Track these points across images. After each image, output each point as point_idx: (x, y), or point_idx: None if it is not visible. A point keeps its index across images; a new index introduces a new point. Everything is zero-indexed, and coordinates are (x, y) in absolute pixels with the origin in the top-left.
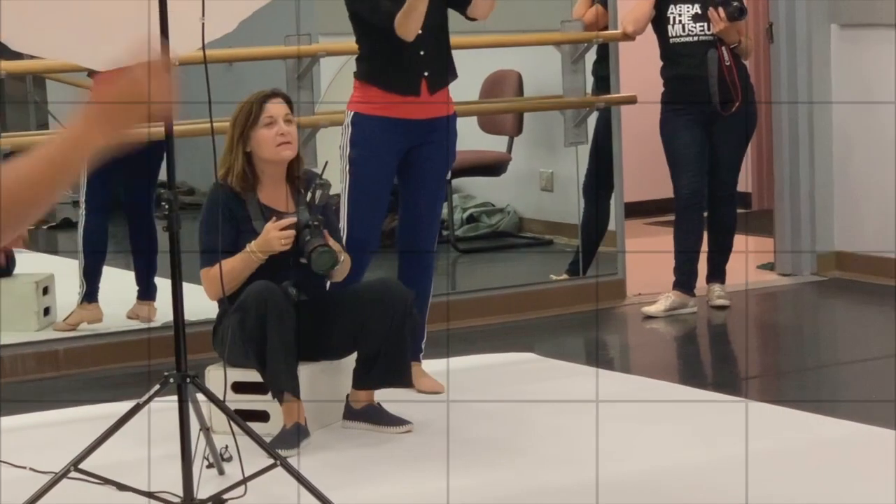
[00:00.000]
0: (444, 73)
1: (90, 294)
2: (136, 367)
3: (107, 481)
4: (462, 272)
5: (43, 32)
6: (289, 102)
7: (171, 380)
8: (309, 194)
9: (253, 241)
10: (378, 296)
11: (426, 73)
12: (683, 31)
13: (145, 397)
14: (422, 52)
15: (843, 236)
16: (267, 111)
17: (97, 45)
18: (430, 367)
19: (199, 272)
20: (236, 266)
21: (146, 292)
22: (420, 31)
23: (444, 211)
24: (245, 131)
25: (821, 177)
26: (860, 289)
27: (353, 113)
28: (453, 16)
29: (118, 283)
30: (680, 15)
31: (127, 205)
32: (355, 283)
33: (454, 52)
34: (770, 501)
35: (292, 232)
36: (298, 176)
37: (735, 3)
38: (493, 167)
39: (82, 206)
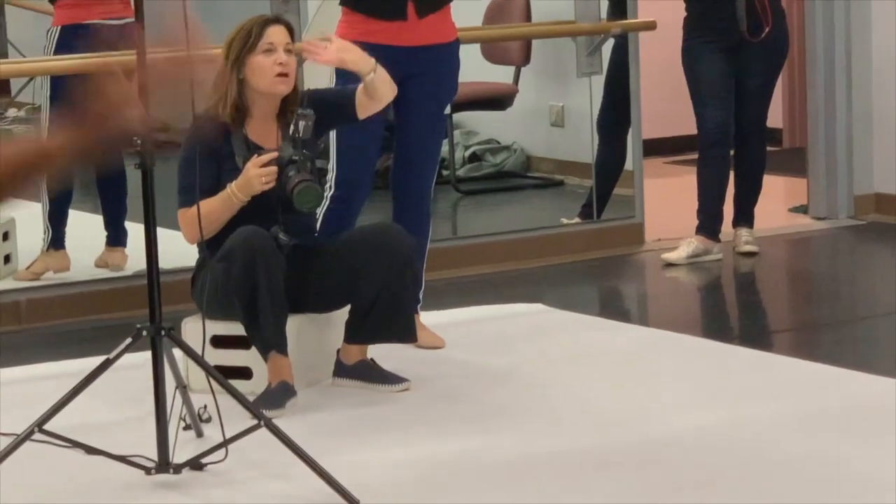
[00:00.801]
0: None
1: (56, 240)
2: (105, 319)
3: (74, 444)
4: (464, 216)
5: None
6: (291, 31)
7: (144, 333)
8: (291, 127)
9: (234, 181)
10: (375, 241)
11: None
12: None
13: (115, 352)
14: None
15: (883, 176)
16: (267, 36)
17: None
18: (429, 319)
19: (175, 214)
20: (216, 207)
21: (116, 237)
22: None
23: (445, 149)
24: (241, 56)
25: (859, 110)
26: None
27: None
28: None
29: (85, 227)
30: None
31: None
32: (348, 228)
33: None
34: (801, 465)
35: (273, 169)
36: (292, 111)
37: None
38: (497, 100)
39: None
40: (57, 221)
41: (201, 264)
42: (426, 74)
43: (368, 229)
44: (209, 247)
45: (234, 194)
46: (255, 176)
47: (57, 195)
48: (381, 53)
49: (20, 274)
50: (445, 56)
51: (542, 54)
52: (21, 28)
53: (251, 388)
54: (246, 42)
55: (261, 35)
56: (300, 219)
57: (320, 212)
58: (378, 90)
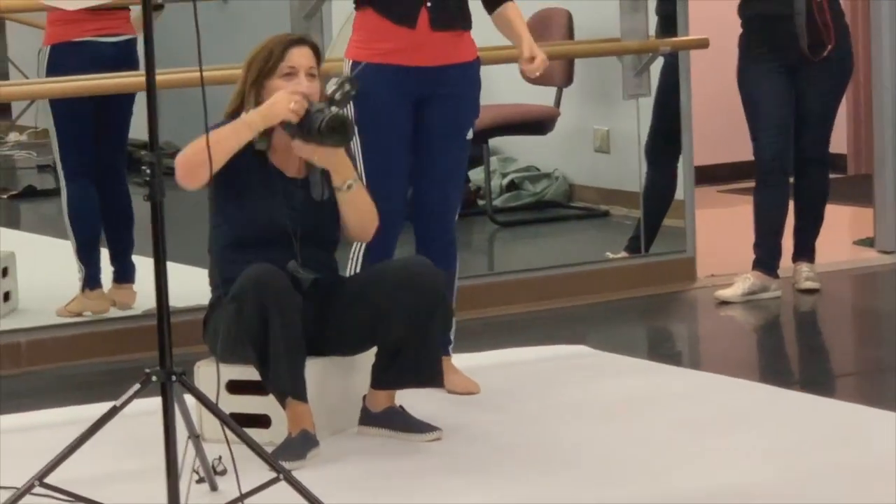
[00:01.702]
0: (455, 11)
1: (91, 279)
2: (112, 362)
3: (78, 498)
4: (501, 249)
5: None
6: (317, 53)
7: (154, 378)
8: (333, 87)
9: (252, 110)
10: (403, 278)
11: (428, 3)
12: None
13: (123, 399)
14: None
15: None
16: (289, 59)
17: None
18: (463, 362)
19: (189, 250)
20: (225, 133)
21: (123, 273)
22: None
23: (480, 177)
24: (260, 78)
25: None
26: None
27: (350, 61)
28: None
29: None
30: None
31: (96, 168)
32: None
33: None
34: None
35: (304, 101)
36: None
37: None
38: (537, 124)
39: (61, 174)
40: (88, 258)
41: (215, 303)
42: (444, 97)
43: (395, 264)
44: (223, 284)
45: (252, 120)
46: (284, 99)
47: (83, 229)
48: (396, 75)
49: (61, 311)
50: (464, 77)
51: (586, 74)
52: (23, 46)
53: (269, 438)
54: (266, 63)
55: (282, 57)
56: (319, 254)
57: (356, 249)
58: (351, 205)
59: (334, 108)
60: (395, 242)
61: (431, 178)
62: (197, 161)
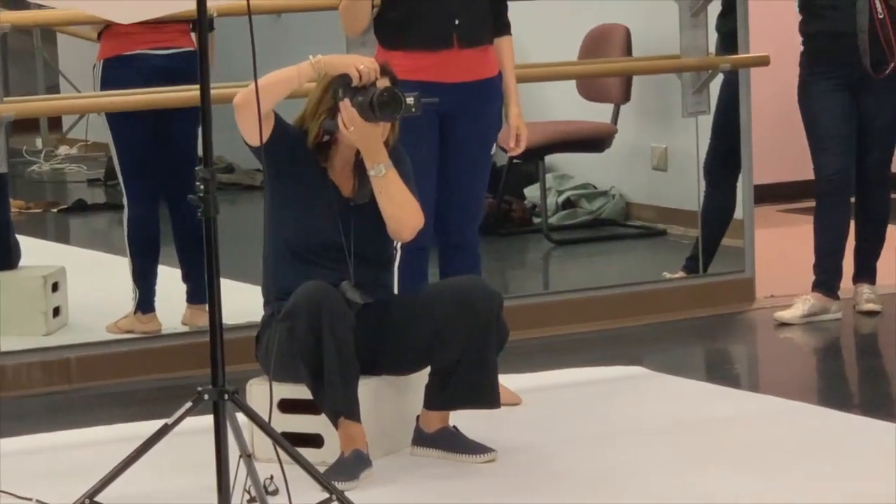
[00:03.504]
0: (486, 22)
1: (144, 303)
2: (163, 380)
3: None
4: (556, 268)
5: None
6: (394, 83)
7: (206, 396)
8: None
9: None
10: (458, 298)
11: (457, 22)
12: None
13: (175, 417)
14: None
15: None
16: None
17: None
18: (518, 383)
19: (243, 266)
20: (273, 78)
21: (197, 294)
22: None
23: (536, 194)
24: (337, 104)
25: None
26: None
27: None
28: None
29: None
30: None
31: (165, 187)
32: (421, 283)
33: (547, 4)
34: None
35: (372, 71)
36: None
37: None
38: (594, 142)
39: (124, 193)
40: (144, 282)
41: (267, 320)
42: (469, 113)
43: (450, 284)
44: (277, 301)
45: (303, 68)
46: (354, 58)
47: (141, 252)
48: (422, 91)
49: (110, 327)
50: (488, 92)
51: (644, 91)
52: (76, 60)
53: (322, 458)
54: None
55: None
56: (373, 273)
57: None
58: (385, 193)
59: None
60: (427, 258)
61: (458, 191)
62: (248, 102)
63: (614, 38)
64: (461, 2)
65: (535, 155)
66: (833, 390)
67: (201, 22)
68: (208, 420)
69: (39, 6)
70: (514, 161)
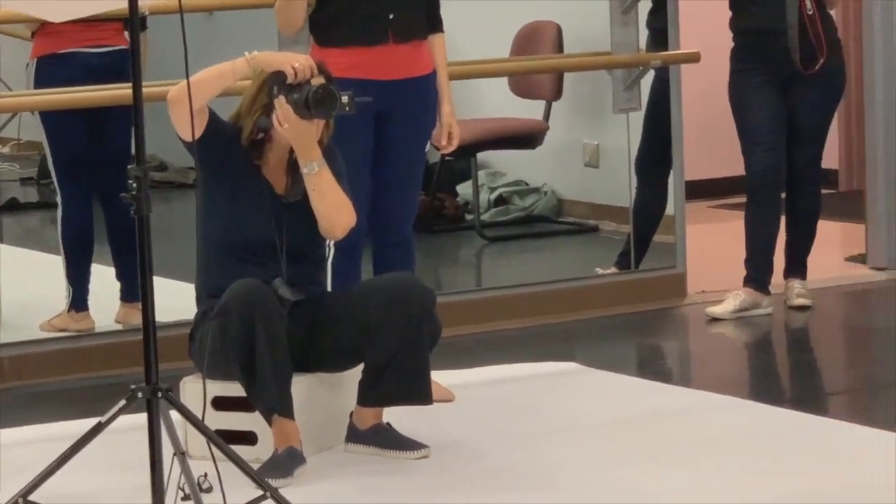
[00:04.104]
0: (419, 19)
1: (77, 301)
2: (97, 378)
3: None
4: (489, 264)
5: None
6: (329, 80)
7: (140, 394)
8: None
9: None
10: (392, 295)
11: (390, 17)
12: None
13: (108, 415)
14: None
15: None
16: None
17: None
18: (451, 379)
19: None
20: (213, 72)
21: (131, 291)
22: None
23: (469, 191)
24: (272, 101)
25: None
26: None
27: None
28: None
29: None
30: None
31: (99, 186)
32: (354, 280)
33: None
34: None
35: (308, 69)
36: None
37: None
38: (526, 138)
39: (58, 192)
40: (77, 281)
41: (200, 319)
42: (403, 111)
43: (383, 281)
44: (209, 299)
45: (238, 64)
46: (291, 56)
47: (75, 251)
48: (358, 88)
49: (44, 325)
50: (422, 89)
51: (576, 88)
52: (7, 58)
53: (256, 455)
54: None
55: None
56: (305, 270)
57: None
58: (317, 190)
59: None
60: (360, 255)
61: (392, 189)
62: (181, 98)
63: (546, 34)
64: None
65: (467, 152)
66: (765, 385)
67: (133, 20)
68: (142, 418)
69: None
70: (447, 158)
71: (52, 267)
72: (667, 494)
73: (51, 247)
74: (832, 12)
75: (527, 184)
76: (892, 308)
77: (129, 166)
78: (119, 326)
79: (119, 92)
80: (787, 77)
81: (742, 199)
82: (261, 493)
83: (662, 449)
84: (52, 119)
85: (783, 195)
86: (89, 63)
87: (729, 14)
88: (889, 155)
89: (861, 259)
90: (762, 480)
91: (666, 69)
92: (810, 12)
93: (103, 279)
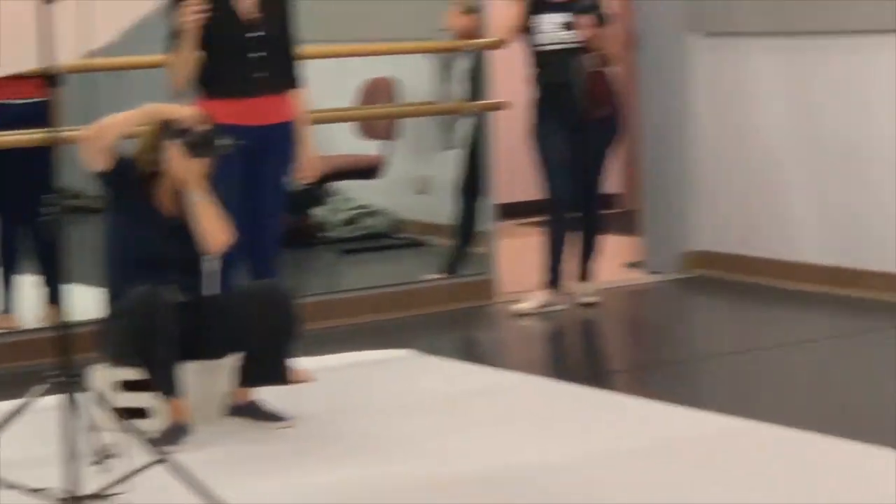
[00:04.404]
0: (284, 77)
1: (5, 305)
2: (23, 367)
3: None
4: (341, 272)
5: None
6: (211, 127)
7: (59, 378)
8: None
9: None
10: (263, 300)
11: (263, 75)
12: (551, 39)
13: (33, 395)
14: (257, 56)
15: (707, 235)
16: None
17: None
18: (309, 364)
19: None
20: (119, 118)
21: (55, 295)
22: (259, 34)
23: (323, 213)
24: (165, 143)
25: (687, 179)
26: (723, 286)
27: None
28: (317, 26)
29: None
30: (547, 24)
31: (25, 213)
32: (230, 286)
33: (327, 63)
34: (640, 491)
35: (197, 112)
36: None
37: (598, 10)
38: (369, 170)
39: None
40: (6, 288)
41: (108, 317)
42: (270, 150)
43: (254, 286)
44: (115, 301)
45: (146, 110)
46: (181, 107)
47: (5, 264)
48: (234, 133)
49: None
50: (286, 133)
51: (409, 130)
52: None
53: (153, 428)
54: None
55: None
56: (190, 278)
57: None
58: (199, 215)
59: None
60: (238, 266)
61: (262, 213)
62: (93, 138)
63: (383, 88)
64: (263, 59)
65: (323, 182)
66: (561, 366)
67: (52, 77)
68: (60, 399)
69: None
70: (306, 187)
71: None
72: (491, 456)
73: None
74: (612, 69)
75: (371, 207)
76: (662, 303)
77: (44, 196)
78: (42, 324)
79: (40, 136)
80: (576, 121)
81: (541, 218)
82: (156, 458)
83: (478, 417)
84: None
85: (575, 214)
86: (15, 112)
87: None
88: (657, 182)
89: (638, 265)
90: (550, 443)
91: (480, 115)
92: (593, 70)
93: (33, 286)
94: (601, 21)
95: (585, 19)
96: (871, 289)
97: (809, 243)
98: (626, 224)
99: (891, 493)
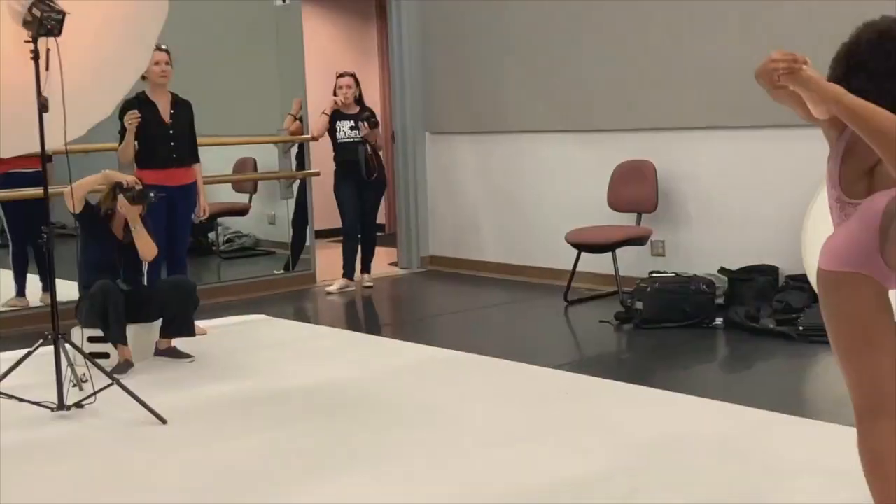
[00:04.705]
0: (189, 155)
1: (20, 292)
2: (29, 329)
3: (11, 397)
4: (221, 269)
5: None
6: (144, 186)
7: (49, 336)
8: (148, 193)
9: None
10: (177, 285)
11: (175, 155)
12: (345, 135)
13: (37, 345)
14: (172, 143)
15: (434, 246)
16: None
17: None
18: (202, 323)
19: (69, 272)
20: (87, 180)
21: (22, 290)
22: (172, 131)
23: (211, 235)
24: (116, 195)
25: (421, 215)
26: (444, 275)
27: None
28: (207, 125)
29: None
30: (343, 127)
31: (31, 235)
32: (156, 279)
33: (214, 148)
34: (404, 395)
35: (136, 177)
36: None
37: (373, 119)
38: (240, 211)
39: (9, 236)
40: (19, 280)
41: (81, 298)
42: (181, 200)
43: (172, 280)
44: (85, 289)
45: (104, 174)
46: (125, 175)
47: (18, 266)
48: (158, 190)
49: (5, 303)
50: (191, 190)
51: (264, 187)
52: None
53: (110, 364)
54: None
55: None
56: (133, 276)
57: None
58: (138, 238)
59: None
60: (160, 267)
61: (176, 238)
62: (70, 192)
63: (249, 163)
64: (175, 146)
65: (212, 217)
66: (354, 323)
67: (42, 157)
68: (51, 349)
69: None
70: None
71: (5, 275)
72: (306, 376)
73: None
74: (381, 152)
75: (242, 232)
76: (409, 286)
77: (43, 227)
78: (41, 304)
79: (39, 191)
80: (360, 180)
81: (340, 237)
82: (110, 382)
83: (305, 353)
84: (8, 205)
85: (359, 236)
86: (24, 177)
87: (332, 154)
88: (405, 217)
89: (395, 264)
90: (352, 366)
91: (305, 179)
92: (370, 153)
93: (35, 280)
94: (373, 125)
95: (364, 124)
96: (530, 276)
97: (492, 249)
98: (389, 240)
99: (534, 389)
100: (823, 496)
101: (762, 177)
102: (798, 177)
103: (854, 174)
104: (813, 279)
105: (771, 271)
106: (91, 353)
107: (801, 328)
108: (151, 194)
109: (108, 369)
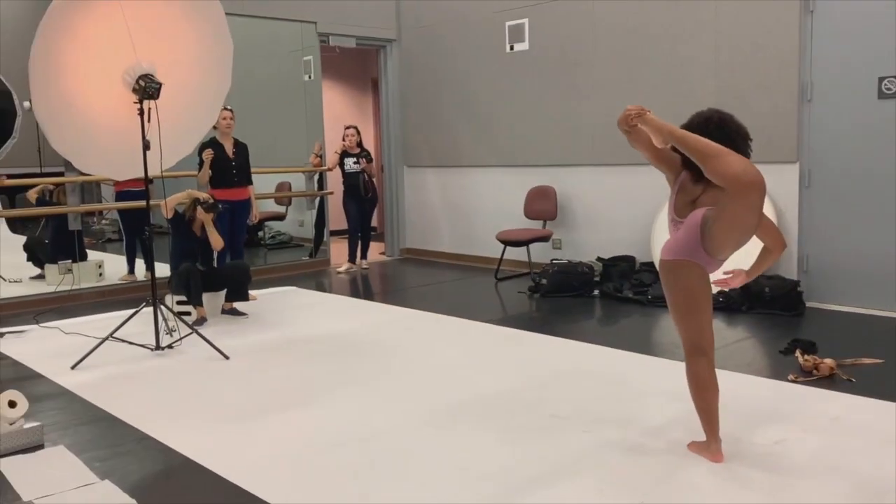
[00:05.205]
0: (246, 180)
1: (131, 270)
2: (136, 295)
3: (123, 340)
4: (267, 257)
5: (91, 162)
6: (215, 200)
7: (150, 300)
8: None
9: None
10: (235, 266)
11: (236, 179)
12: (350, 168)
13: (140, 307)
14: (234, 171)
15: (409, 240)
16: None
17: (117, 168)
18: (255, 293)
19: (166, 257)
20: (178, 195)
21: (133, 269)
22: (234, 162)
23: (261, 233)
24: (196, 206)
25: (400, 219)
26: (417, 261)
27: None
28: (254, 159)
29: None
30: (349, 162)
31: (138, 232)
32: (224, 264)
33: (262, 174)
34: (395, 342)
35: (209, 194)
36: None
37: (369, 157)
38: (280, 217)
39: (123, 233)
40: (131, 263)
41: (171, 275)
42: (240, 211)
43: (234, 263)
44: (176, 268)
45: (188, 193)
46: (202, 192)
47: (130, 252)
48: (224, 203)
49: (120, 279)
50: (247, 203)
51: (296, 201)
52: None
53: (191, 319)
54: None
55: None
56: (207, 261)
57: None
58: (211, 235)
59: (211, 201)
60: (226, 255)
61: (236, 235)
62: (166, 205)
63: (285, 185)
64: (237, 172)
65: (261, 222)
66: (355, 291)
67: (146, 179)
68: (151, 310)
69: (81, 172)
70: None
71: (120, 260)
72: (322, 328)
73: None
74: (374, 179)
75: (281, 231)
76: (394, 268)
77: (146, 227)
78: (144, 278)
79: (142, 203)
80: (360, 198)
81: (347, 236)
82: (190, 331)
83: (321, 313)
84: (123, 212)
85: (359, 234)
86: (133, 193)
87: (341, 179)
88: (391, 221)
89: (384, 253)
90: (353, 320)
91: (323, 197)
92: (367, 180)
93: (139, 264)
94: (370, 160)
95: (363, 160)
96: (472, 262)
97: (447, 243)
98: (379, 237)
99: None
100: (665, 407)
101: (625, 197)
102: (648, 197)
103: (683, 203)
104: (657, 265)
105: (630, 259)
106: (178, 312)
107: (649, 297)
108: (220, 206)
109: (190, 322)
